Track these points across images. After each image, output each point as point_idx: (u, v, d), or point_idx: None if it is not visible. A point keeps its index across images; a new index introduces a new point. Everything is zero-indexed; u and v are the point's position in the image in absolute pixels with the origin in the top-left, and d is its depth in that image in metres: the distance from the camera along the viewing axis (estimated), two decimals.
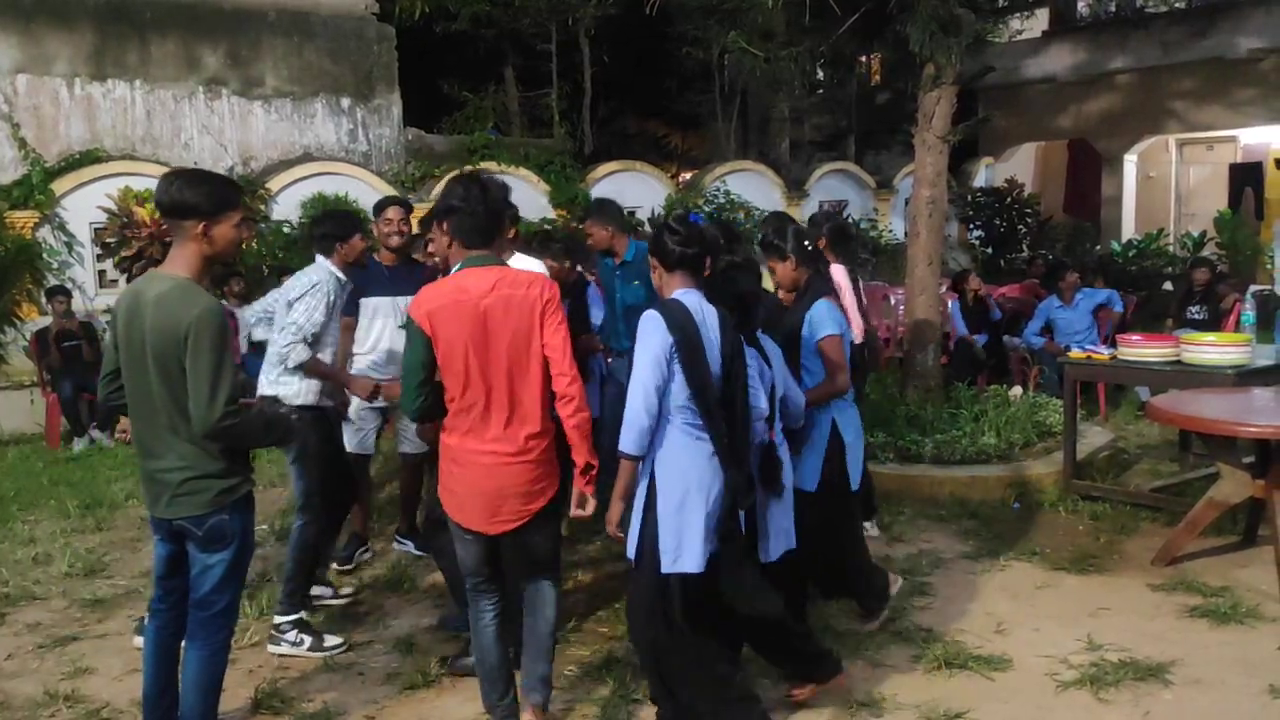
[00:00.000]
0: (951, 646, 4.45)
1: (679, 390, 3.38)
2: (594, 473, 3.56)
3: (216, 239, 3.32)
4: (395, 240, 5.57)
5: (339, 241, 4.90)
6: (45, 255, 9.92)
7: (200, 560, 3.40)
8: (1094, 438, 7.40)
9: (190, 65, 11.12)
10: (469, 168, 12.34)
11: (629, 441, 3.39)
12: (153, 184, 10.07)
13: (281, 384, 4.74)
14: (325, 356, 4.81)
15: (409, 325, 3.47)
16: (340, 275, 4.90)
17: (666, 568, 3.42)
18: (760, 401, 3.66)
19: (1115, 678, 4.13)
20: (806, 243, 4.52)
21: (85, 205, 10.16)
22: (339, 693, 4.23)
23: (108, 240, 10.18)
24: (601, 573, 5.51)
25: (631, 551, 3.56)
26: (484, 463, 3.45)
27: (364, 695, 4.22)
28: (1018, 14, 9.03)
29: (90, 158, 10.36)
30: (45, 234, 9.96)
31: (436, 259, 5.01)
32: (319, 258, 4.94)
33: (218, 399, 3.18)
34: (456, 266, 3.51)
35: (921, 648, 4.45)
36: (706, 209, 13.91)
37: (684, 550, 3.40)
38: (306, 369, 4.72)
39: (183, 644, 3.52)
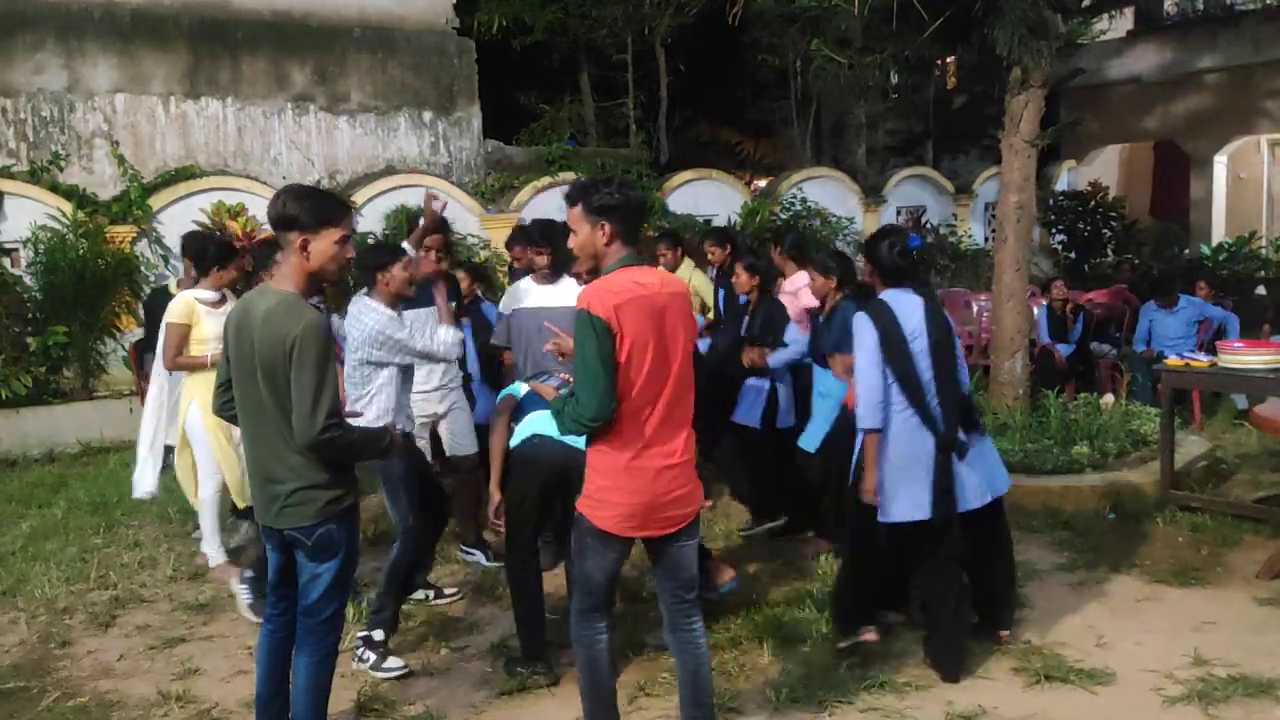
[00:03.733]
0: (1052, 659, 4.39)
1: (889, 373, 4.17)
2: None
3: (314, 254, 3.38)
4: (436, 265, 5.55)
5: (378, 271, 4.71)
6: (143, 268, 10.23)
7: (309, 569, 3.48)
8: (1191, 447, 7.22)
9: (279, 82, 11.41)
10: (546, 179, 12.47)
11: (871, 417, 4.15)
12: (243, 198, 10.55)
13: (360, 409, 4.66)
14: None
15: (589, 320, 3.24)
16: (389, 312, 4.71)
17: (886, 519, 4.20)
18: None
19: (1225, 694, 4.03)
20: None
21: (180, 219, 10.42)
22: (438, 698, 4.31)
23: None
24: None
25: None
26: (653, 467, 3.35)
27: (462, 700, 4.29)
28: (1103, 14, 8.83)
29: (185, 173, 10.67)
30: (143, 247, 10.27)
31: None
32: (363, 298, 4.78)
33: (319, 412, 3.26)
34: (615, 264, 3.40)
35: (1021, 660, 4.39)
36: (784, 216, 13.86)
37: (895, 502, 4.18)
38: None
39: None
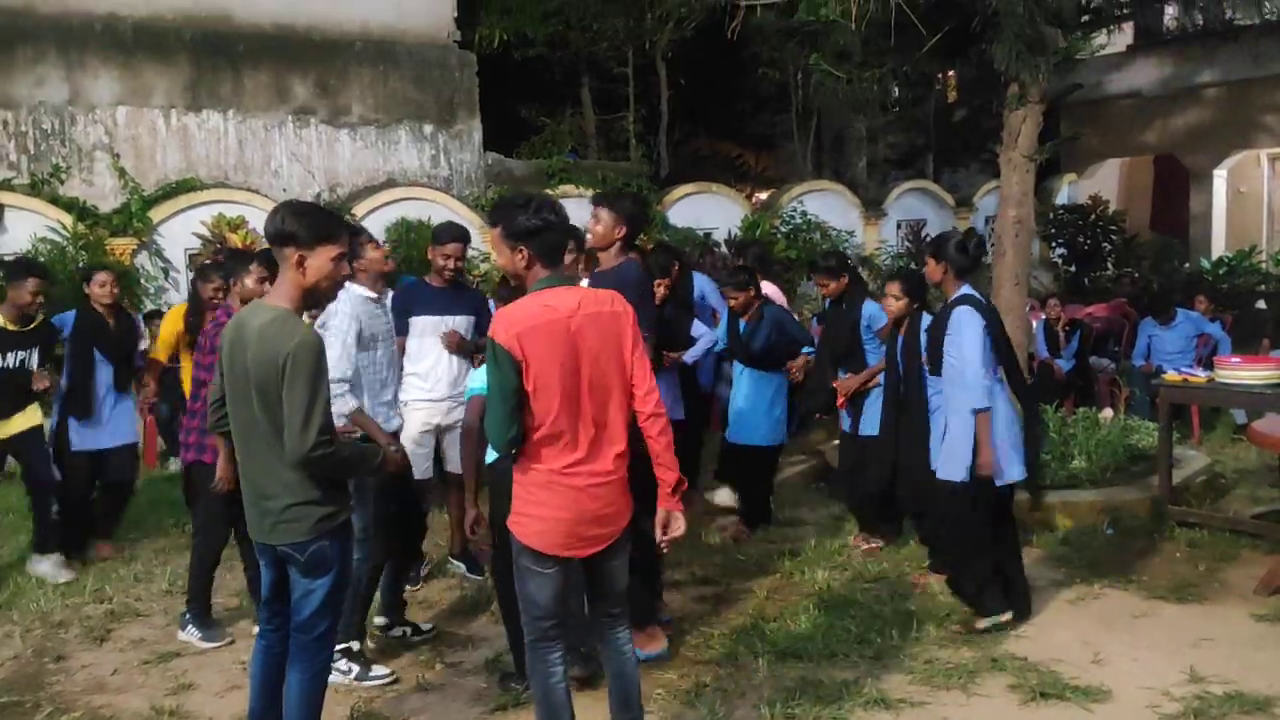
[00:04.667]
0: (1047, 676, 4.38)
1: (991, 355, 4.76)
2: (684, 488, 3.54)
3: (310, 270, 3.37)
4: (449, 274, 5.61)
5: (351, 260, 4.60)
6: (143, 280, 10.25)
7: (302, 585, 3.47)
8: (1189, 462, 7.22)
9: (280, 95, 11.45)
10: (546, 191, 12.49)
11: (981, 398, 4.70)
12: (244, 210, 10.56)
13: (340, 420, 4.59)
14: (363, 390, 4.75)
15: (494, 349, 3.28)
16: (368, 294, 4.78)
17: (1000, 481, 4.80)
18: None
19: (1221, 711, 4.02)
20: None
21: (180, 231, 10.49)
22: (432, 713, 4.30)
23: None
24: (688, 596, 5.51)
25: (964, 474, 4.78)
26: (576, 485, 3.34)
27: (456, 715, 4.28)
28: (1102, 29, 8.84)
29: (185, 186, 10.69)
30: (143, 260, 10.29)
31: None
32: (346, 284, 4.66)
33: (310, 429, 3.25)
34: (535, 286, 3.39)
35: (1017, 677, 4.38)
36: (784, 229, 13.88)
37: (1009, 466, 4.80)
38: (352, 418, 4.59)
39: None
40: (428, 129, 12.40)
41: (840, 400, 6.22)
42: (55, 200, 9.96)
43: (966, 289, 4.90)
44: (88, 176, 10.42)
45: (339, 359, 4.58)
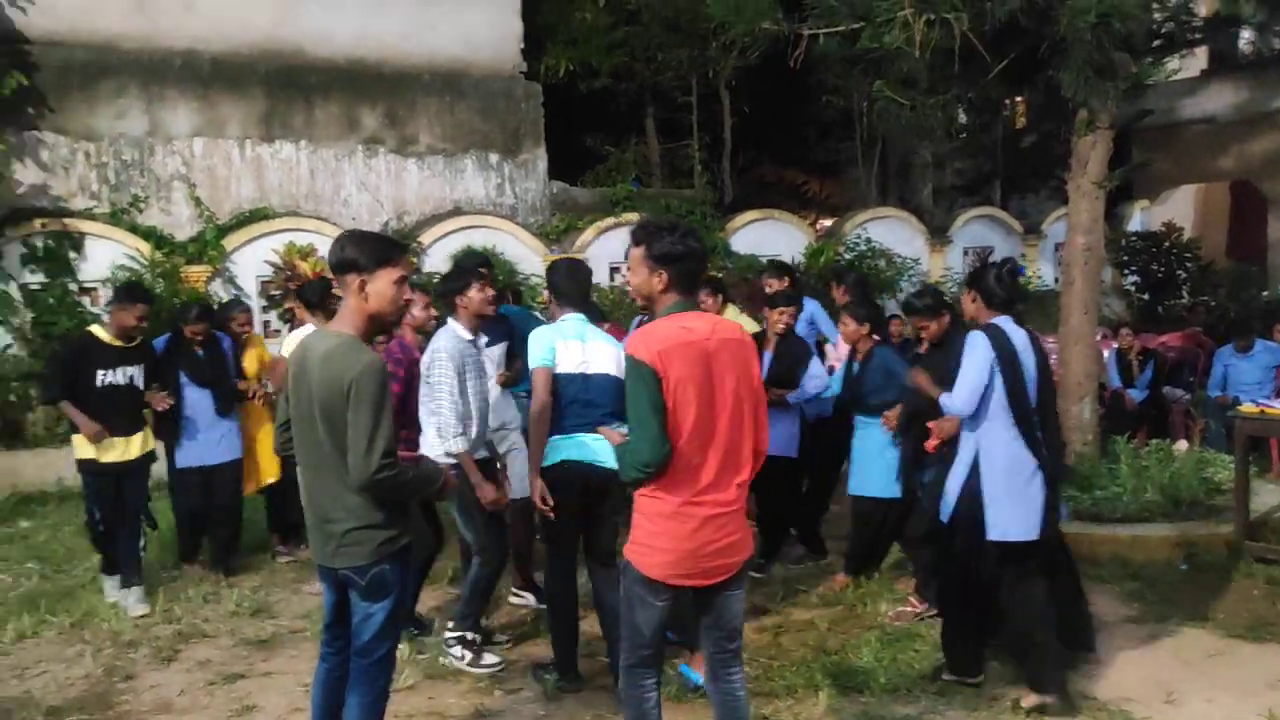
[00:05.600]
0: (1118, 716, 4.28)
1: (1000, 393, 4.29)
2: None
3: (372, 295, 3.45)
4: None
5: (456, 295, 4.93)
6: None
7: (362, 609, 3.51)
8: (1268, 496, 6.99)
9: (350, 126, 11.70)
10: (610, 219, 12.57)
11: (962, 407, 4.34)
12: (314, 239, 10.76)
13: (434, 445, 4.85)
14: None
15: (635, 367, 3.28)
16: (466, 334, 4.94)
17: (993, 537, 4.31)
18: None
19: None
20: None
21: (253, 259, 10.73)
22: None
23: (272, 293, 10.74)
24: (747, 627, 5.44)
25: (946, 516, 4.49)
26: (702, 515, 3.30)
27: None
28: (1174, 54, 8.67)
29: (258, 215, 10.95)
30: (216, 287, 10.54)
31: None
32: (448, 320, 5.00)
33: (374, 452, 3.29)
34: (665, 310, 3.41)
35: (1088, 716, 4.28)
36: (848, 256, 13.79)
37: (1010, 523, 4.29)
38: (459, 458, 4.78)
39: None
40: (494, 158, 12.57)
41: (932, 442, 5.19)
42: (134, 229, 10.25)
43: (1000, 319, 4.44)
44: (165, 206, 10.71)
45: (454, 402, 4.79)
